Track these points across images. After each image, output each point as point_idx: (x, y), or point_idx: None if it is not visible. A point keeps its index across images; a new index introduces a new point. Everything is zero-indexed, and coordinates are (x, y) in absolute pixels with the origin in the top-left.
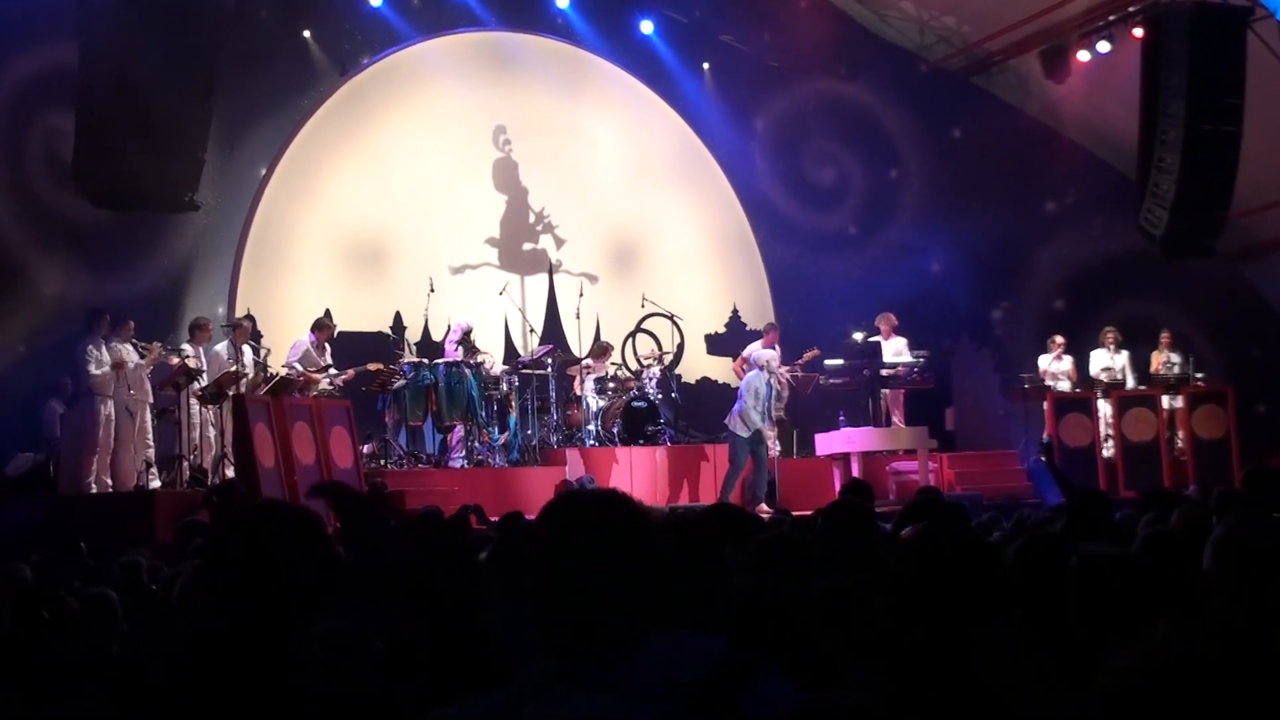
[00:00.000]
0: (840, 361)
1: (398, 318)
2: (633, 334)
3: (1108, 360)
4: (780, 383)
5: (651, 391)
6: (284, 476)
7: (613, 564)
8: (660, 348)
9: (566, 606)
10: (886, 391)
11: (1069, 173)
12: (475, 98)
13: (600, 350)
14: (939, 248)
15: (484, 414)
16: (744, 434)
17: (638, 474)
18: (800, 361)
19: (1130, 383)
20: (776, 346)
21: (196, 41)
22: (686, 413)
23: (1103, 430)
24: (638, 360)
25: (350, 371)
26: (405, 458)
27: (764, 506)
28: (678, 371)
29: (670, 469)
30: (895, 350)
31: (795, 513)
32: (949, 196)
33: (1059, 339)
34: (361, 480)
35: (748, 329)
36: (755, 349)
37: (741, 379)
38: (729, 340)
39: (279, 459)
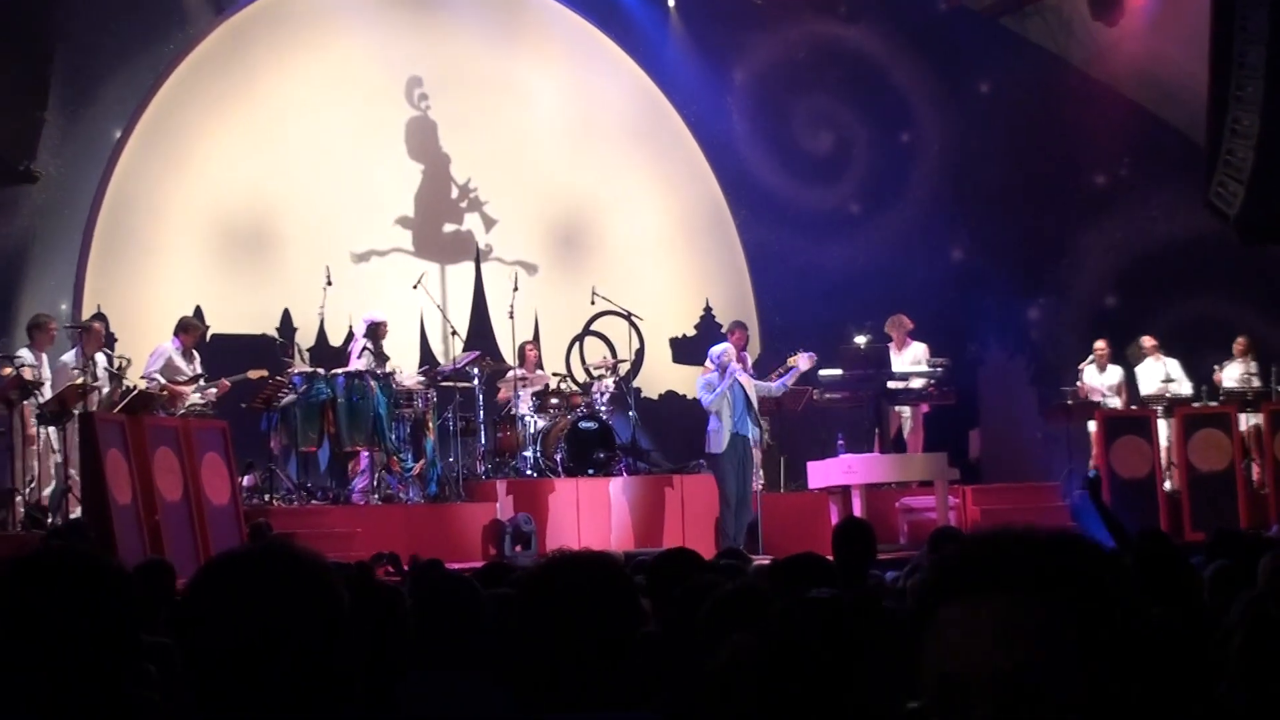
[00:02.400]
0: (839, 372)
1: (286, 317)
2: (580, 337)
3: (1160, 376)
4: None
5: (603, 409)
6: (143, 516)
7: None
8: (614, 355)
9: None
10: (901, 410)
11: (1122, 137)
12: (384, 42)
13: (519, 354)
14: (961, 231)
15: (394, 437)
16: (719, 450)
17: (587, 512)
18: (784, 368)
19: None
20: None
21: None
22: (648, 435)
23: (1164, 457)
24: (586, 370)
25: (225, 382)
26: (295, 492)
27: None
28: (636, 384)
29: (628, 506)
30: (909, 359)
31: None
32: (974, 167)
33: (1100, 345)
34: (240, 521)
35: (723, 331)
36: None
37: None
38: (700, 345)
39: (137, 493)
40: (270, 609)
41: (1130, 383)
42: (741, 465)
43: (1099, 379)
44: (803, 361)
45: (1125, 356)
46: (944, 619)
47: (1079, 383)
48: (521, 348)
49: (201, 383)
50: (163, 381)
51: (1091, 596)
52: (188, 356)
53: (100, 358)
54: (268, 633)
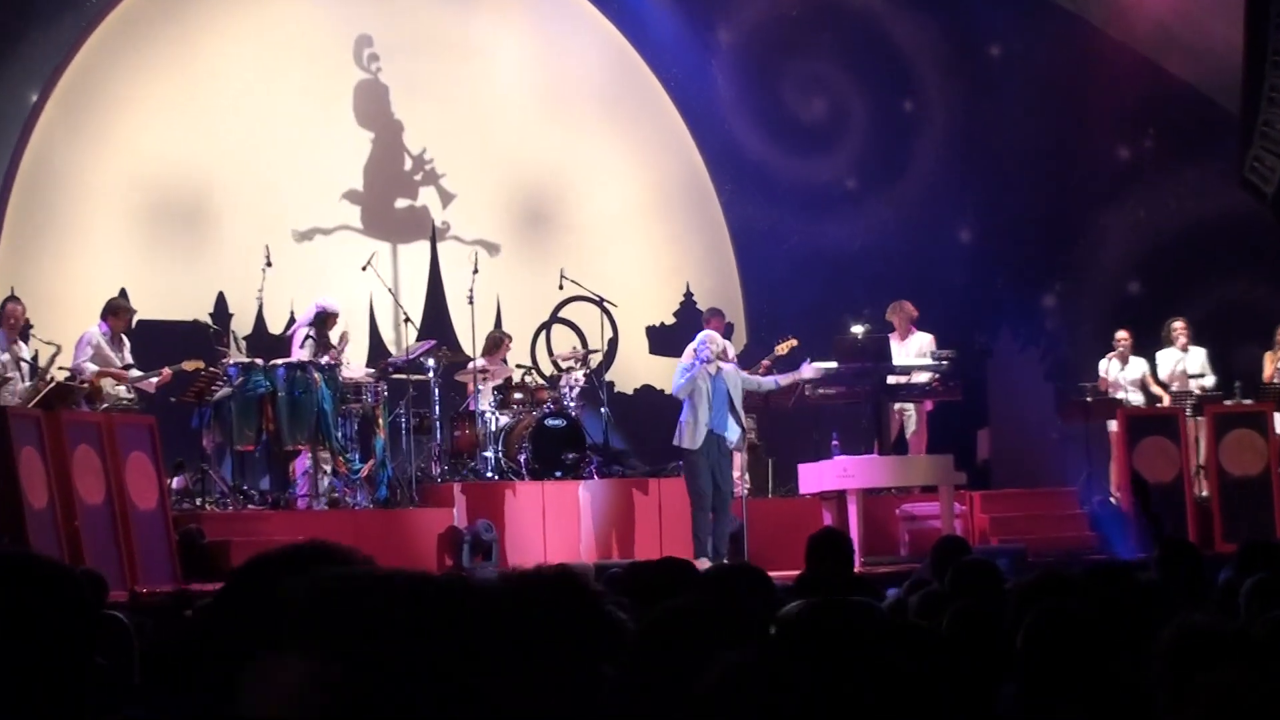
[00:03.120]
0: (833, 365)
1: (220, 302)
2: (547, 326)
3: (1177, 361)
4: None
5: (572, 405)
6: (61, 521)
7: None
8: (585, 345)
9: None
10: (903, 407)
11: (1147, 106)
12: None
13: (494, 343)
14: (970, 210)
15: (340, 435)
16: (692, 445)
17: (554, 519)
18: (772, 359)
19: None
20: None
21: None
22: (621, 434)
23: (1194, 459)
24: (554, 362)
25: (167, 371)
26: (231, 495)
27: (704, 562)
28: (609, 378)
29: (599, 512)
30: (912, 351)
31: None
32: (984, 139)
33: (1123, 336)
34: (169, 527)
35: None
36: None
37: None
38: (680, 334)
39: (54, 496)
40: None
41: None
42: (718, 465)
43: (1121, 373)
44: (806, 370)
45: (1165, 340)
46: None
47: (1103, 377)
48: (498, 337)
49: (134, 373)
50: (93, 370)
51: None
52: (116, 343)
53: (23, 347)
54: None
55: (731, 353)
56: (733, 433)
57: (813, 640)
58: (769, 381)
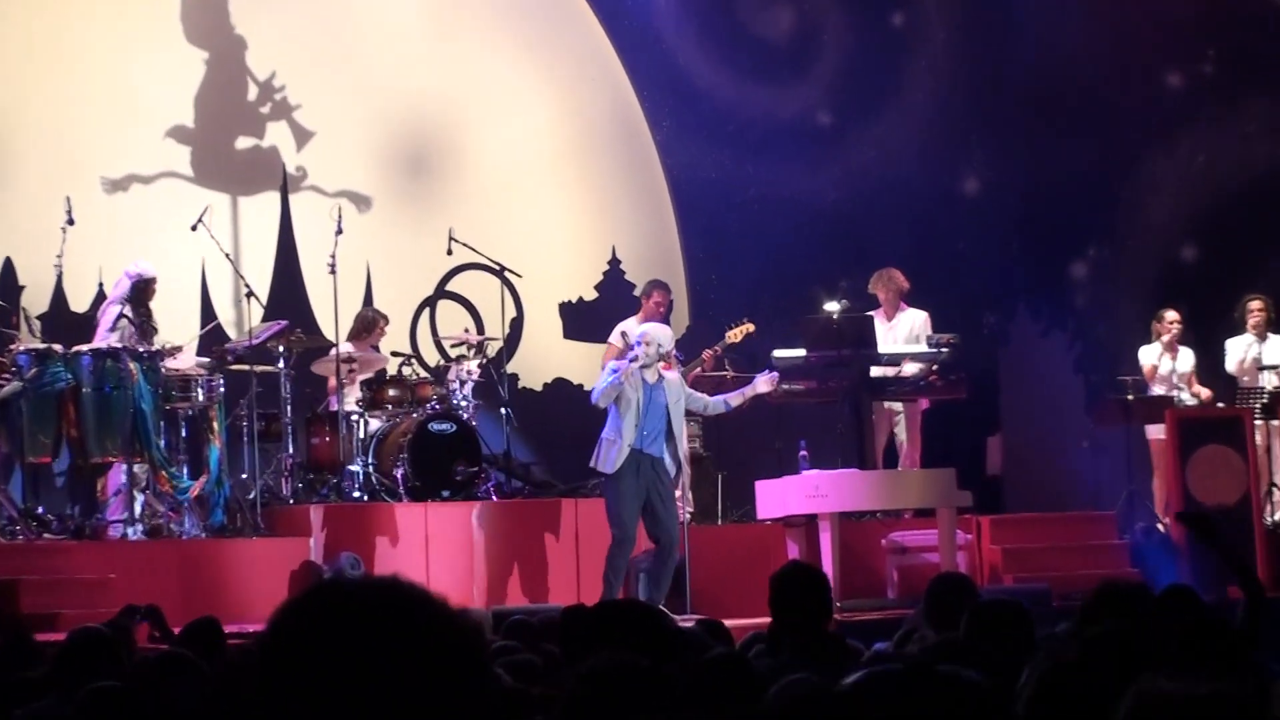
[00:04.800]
0: (800, 353)
1: (8, 270)
2: (432, 302)
3: (1249, 346)
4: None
5: (464, 405)
6: None
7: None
8: (480, 327)
9: None
10: (891, 407)
11: (1205, 20)
12: None
13: (364, 324)
14: (977, 153)
15: (163, 444)
16: (607, 468)
17: (440, 551)
18: (720, 347)
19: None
20: (668, 324)
21: None
22: (528, 442)
23: (1265, 475)
24: (440, 348)
25: None
26: (20, 521)
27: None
28: (511, 369)
29: (498, 543)
30: (903, 333)
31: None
32: (995, 61)
33: (1171, 316)
34: None
35: (636, 292)
36: (621, 329)
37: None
38: (604, 313)
39: None
40: None
41: (1214, 364)
42: (651, 494)
43: (1168, 363)
44: (761, 383)
45: (1239, 323)
46: None
47: (1147, 368)
48: (368, 317)
49: None
50: None
51: None
52: None
53: None
54: None
55: (677, 357)
56: (668, 463)
57: None
58: (717, 403)
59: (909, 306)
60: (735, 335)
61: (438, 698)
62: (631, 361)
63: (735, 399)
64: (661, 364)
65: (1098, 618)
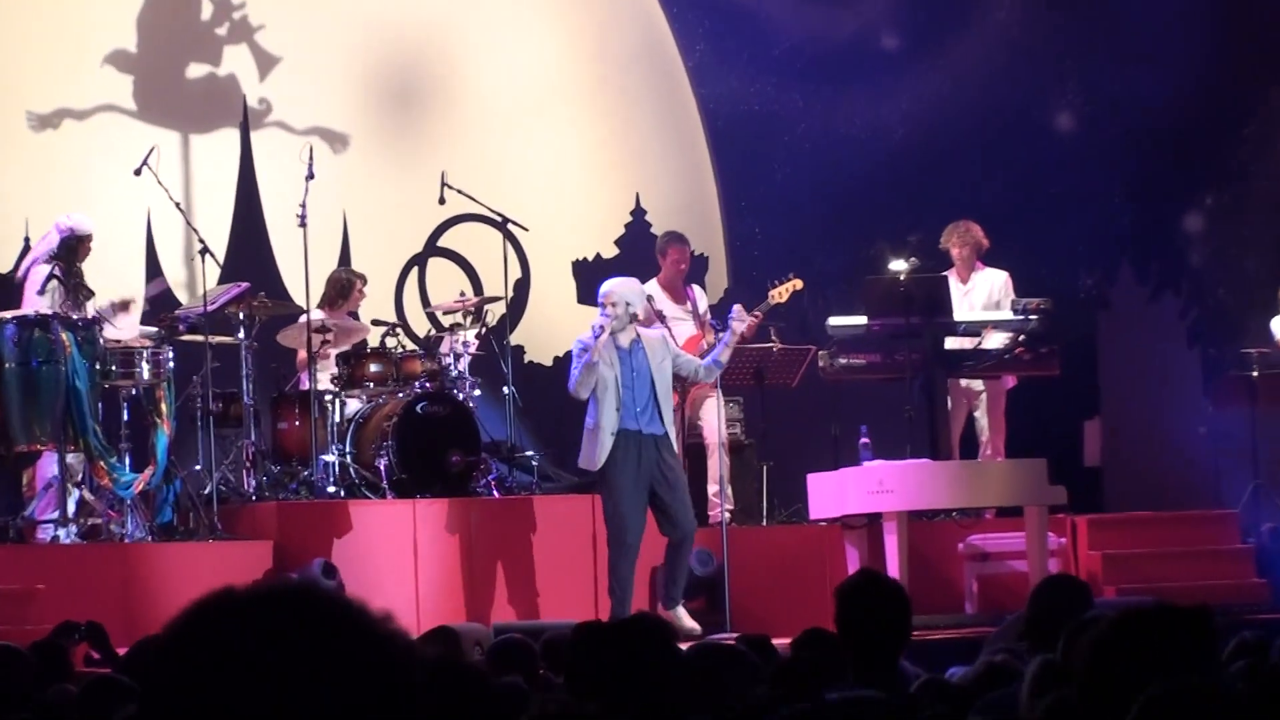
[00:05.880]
0: (861, 321)
1: None
2: (421, 260)
3: None
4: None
5: (459, 383)
6: None
7: None
8: (478, 289)
9: None
10: (970, 387)
11: None
12: None
13: (340, 287)
14: (1074, 81)
15: (101, 430)
16: (589, 464)
17: (431, 558)
18: (763, 310)
19: None
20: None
21: None
22: (535, 428)
23: None
24: (431, 317)
25: None
26: None
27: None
28: (516, 341)
29: (499, 548)
30: (981, 298)
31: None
32: None
33: None
34: None
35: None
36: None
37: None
38: (624, 271)
39: None
40: None
41: None
42: (655, 483)
43: None
44: (735, 323)
45: None
46: None
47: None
48: (345, 279)
49: None
50: None
51: None
52: None
53: None
54: None
55: (713, 324)
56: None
57: None
58: (709, 365)
59: (985, 266)
60: (780, 294)
61: None
62: (598, 335)
63: (724, 353)
64: (633, 323)
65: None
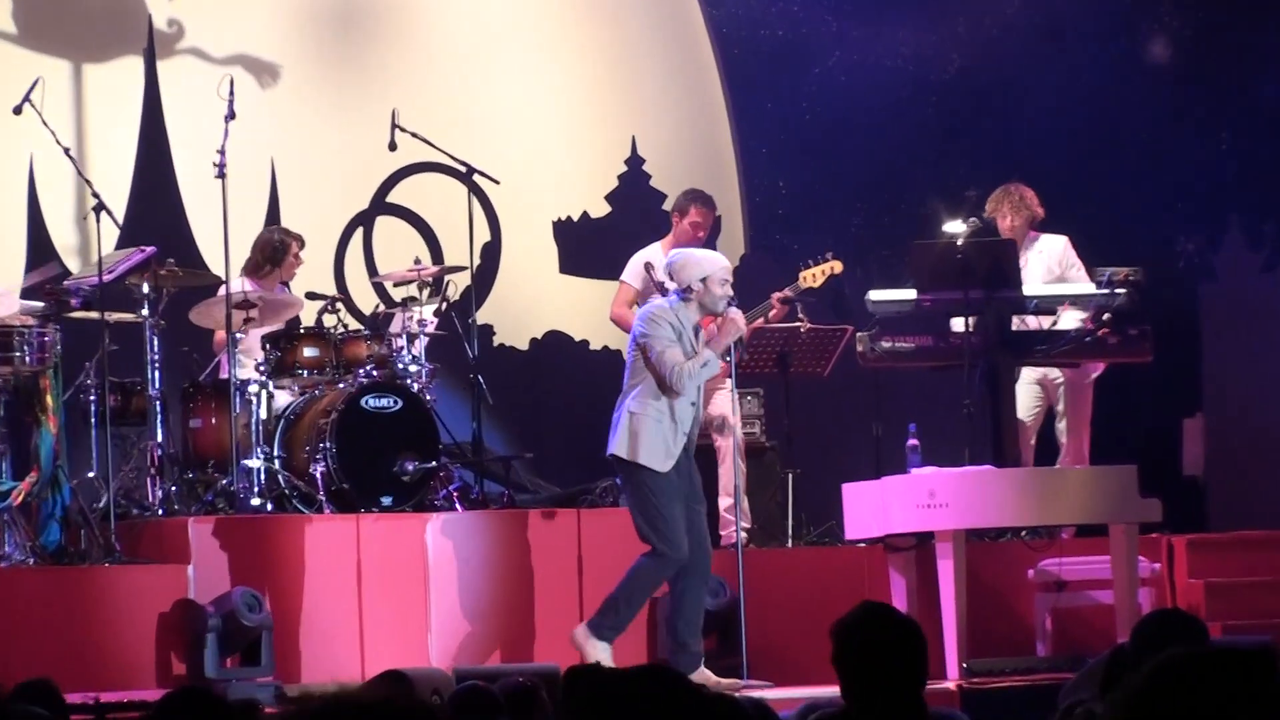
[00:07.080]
0: (909, 295)
1: None
2: (367, 219)
3: None
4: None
5: (415, 371)
6: None
7: None
8: (438, 256)
9: None
10: (1045, 375)
11: None
12: None
13: (268, 251)
14: (1162, 12)
15: None
16: (661, 466)
17: (379, 585)
18: (794, 290)
19: None
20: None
21: None
22: (508, 427)
23: None
24: (379, 289)
25: None
26: None
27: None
28: (483, 320)
29: (464, 572)
30: (1038, 271)
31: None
32: None
33: None
34: None
35: (667, 205)
36: (643, 259)
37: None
38: (616, 233)
39: None
40: None
41: None
42: (688, 497)
43: None
44: (730, 325)
45: None
46: None
47: None
48: (275, 241)
49: None
50: None
51: None
52: None
53: None
54: None
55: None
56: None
57: None
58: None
59: (1040, 234)
60: (813, 277)
61: None
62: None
63: (718, 344)
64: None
65: None
